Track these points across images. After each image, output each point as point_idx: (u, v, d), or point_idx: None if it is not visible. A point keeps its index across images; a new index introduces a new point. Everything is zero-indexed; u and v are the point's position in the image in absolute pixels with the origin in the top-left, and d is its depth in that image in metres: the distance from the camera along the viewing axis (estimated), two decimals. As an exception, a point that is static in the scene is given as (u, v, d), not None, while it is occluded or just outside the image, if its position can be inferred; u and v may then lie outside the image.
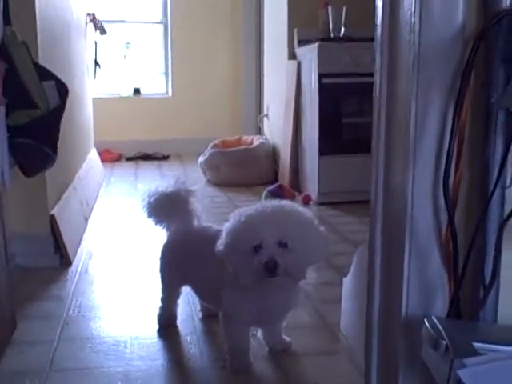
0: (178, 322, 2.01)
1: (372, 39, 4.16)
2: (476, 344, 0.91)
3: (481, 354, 0.88)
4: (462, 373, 0.84)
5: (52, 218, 2.53)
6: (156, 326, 1.99)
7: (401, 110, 1.08)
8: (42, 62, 2.27)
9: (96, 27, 4.79)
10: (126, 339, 1.90)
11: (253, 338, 1.82)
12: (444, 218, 1.05)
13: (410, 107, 1.03)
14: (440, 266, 1.06)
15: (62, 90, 1.99)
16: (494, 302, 1.05)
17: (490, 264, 1.02)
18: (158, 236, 3.15)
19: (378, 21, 1.15)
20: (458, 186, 1.03)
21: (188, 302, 2.19)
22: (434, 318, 0.97)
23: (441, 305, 1.07)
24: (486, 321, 1.04)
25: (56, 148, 2.00)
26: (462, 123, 1.00)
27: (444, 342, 0.91)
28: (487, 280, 1.02)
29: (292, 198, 3.65)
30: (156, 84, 6.22)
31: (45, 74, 1.97)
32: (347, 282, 1.95)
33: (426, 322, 0.96)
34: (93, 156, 4.39)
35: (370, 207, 1.21)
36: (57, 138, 2.00)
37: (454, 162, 1.01)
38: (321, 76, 3.73)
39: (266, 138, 4.93)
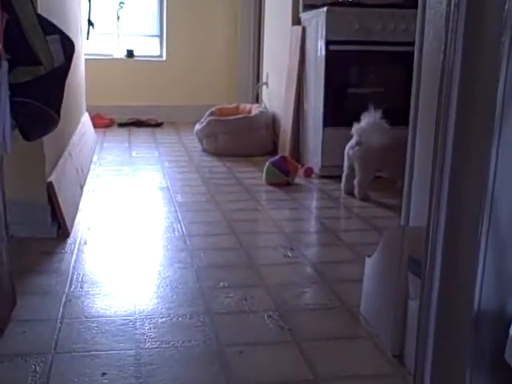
0: (189, 302, 1.89)
1: (383, 5, 3.96)
2: None
3: None
4: None
5: (49, 186, 2.37)
6: (164, 304, 1.87)
7: (483, 75, 0.94)
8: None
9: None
10: (135, 318, 1.77)
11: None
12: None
13: (497, 71, 0.90)
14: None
15: (68, 46, 1.81)
16: None
17: None
18: (154, 204, 3.03)
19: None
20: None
21: (198, 279, 2.06)
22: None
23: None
24: None
25: (59, 110, 1.83)
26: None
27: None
28: None
29: (295, 170, 3.52)
30: (150, 47, 5.98)
31: (48, 27, 1.79)
32: (370, 263, 1.84)
33: (515, 321, 0.84)
34: (85, 121, 4.20)
35: (430, 183, 1.08)
36: (61, 100, 1.83)
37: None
38: (328, 43, 3.56)
39: (265, 107, 4.77)
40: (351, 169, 3.24)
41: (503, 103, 0.90)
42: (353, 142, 3.19)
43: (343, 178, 3.31)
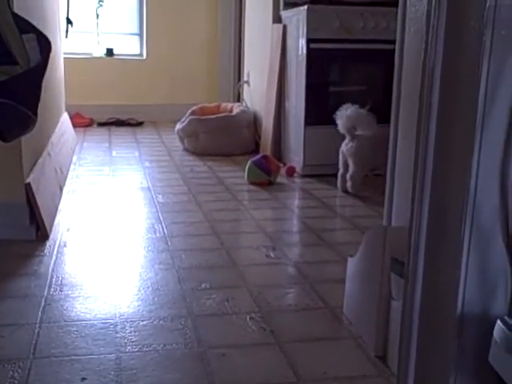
0: (170, 304, 1.87)
1: (364, 3, 3.96)
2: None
3: None
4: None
5: (27, 187, 2.32)
6: (145, 306, 1.84)
7: (464, 73, 0.93)
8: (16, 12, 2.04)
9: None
10: (116, 321, 1.74)
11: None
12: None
13: (479, 70, 0.89)
14: (504, 258, 0.93)
15: (44, 45, 1.77)
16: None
17: None
18: (135, 205, 3.00)
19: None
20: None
21: (179, 281, 2.04)
22: (507, 318, 0.84)
23: (500, 303, 0.94)
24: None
25: (37, 110, 1.79)
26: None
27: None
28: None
29: (277, 169, 3.51)
30: (130, 45, 5.93)
31: (24, 26, 1.75)
32: (353, 263, 1.83)
33: (499, 322, 0.83)
34: (65, 120, 4.15)
35: (412, 183, 1.07)
36: (38, 99, 1.79)
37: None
38: (309, 41, 3.55)
39: (247, 106, 4.75)
40: (346, 166, 3.25)
41: (485, 101, 0.89)
42: (347, 139, 3.20)
43: (338, 177, 3.32)
